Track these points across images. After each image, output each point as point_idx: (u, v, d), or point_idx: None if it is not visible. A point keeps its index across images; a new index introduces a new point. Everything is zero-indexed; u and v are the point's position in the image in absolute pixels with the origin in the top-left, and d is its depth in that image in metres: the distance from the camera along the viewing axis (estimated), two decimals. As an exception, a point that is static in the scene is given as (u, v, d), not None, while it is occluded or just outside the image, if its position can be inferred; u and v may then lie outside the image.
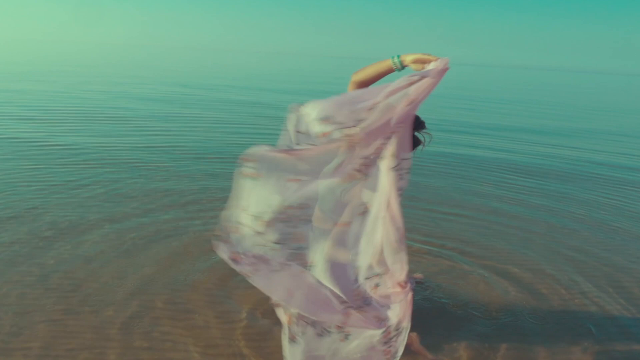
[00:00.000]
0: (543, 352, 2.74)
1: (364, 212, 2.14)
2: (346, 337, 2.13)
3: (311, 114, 2.09)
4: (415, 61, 2.14)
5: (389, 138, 2.07)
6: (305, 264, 2.21)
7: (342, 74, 41.35)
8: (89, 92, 13.71)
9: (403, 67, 2.22)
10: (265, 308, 2.90)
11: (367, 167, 2.11)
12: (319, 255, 2.18)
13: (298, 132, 2.13)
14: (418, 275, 3.40)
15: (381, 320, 2.13)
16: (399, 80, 2.04)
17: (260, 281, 2.21)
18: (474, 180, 6.24)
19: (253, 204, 2.16)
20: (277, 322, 2.71)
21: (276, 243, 2.18)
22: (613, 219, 5.08)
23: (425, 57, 2.12)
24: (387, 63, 2.24)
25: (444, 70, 2.03)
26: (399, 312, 2.11)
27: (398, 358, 2.13)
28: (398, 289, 2.13)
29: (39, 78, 17.39)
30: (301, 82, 26.89)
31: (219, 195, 4.96)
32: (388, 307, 2.15)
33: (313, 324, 2.14)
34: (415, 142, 2.36)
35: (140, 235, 3.88)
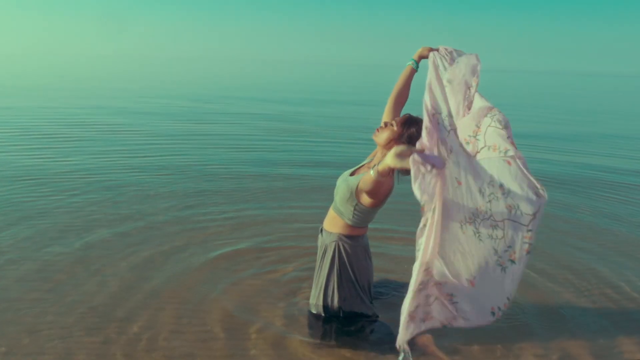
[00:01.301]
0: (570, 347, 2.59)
1: None
2: None
3: None
4: (423, 52, 2.43)
5: None
6: None
7: (344, 81, 41.45)
8: (94, 108, 13.37)
9: (417, 62, 2.51)
10: (231, 321, 2.76)
11: None
12: None
13: None
14: None
15: None
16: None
17: None
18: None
19: None
20: (235, 330, 2.63)
21: None
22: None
23: (425, 51, 2.41)
24: (407, 67, 2.56)
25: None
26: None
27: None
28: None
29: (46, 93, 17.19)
30: (306, 91, 26.69)
31: (217, 200, 4.88)
32: None
33: None
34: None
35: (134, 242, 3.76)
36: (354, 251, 2.56)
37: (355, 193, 2.45)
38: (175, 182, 5.45)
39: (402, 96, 2.61)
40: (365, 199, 2.44)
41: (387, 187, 2.41)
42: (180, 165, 6.40)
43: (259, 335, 2.63)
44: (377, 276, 2.99)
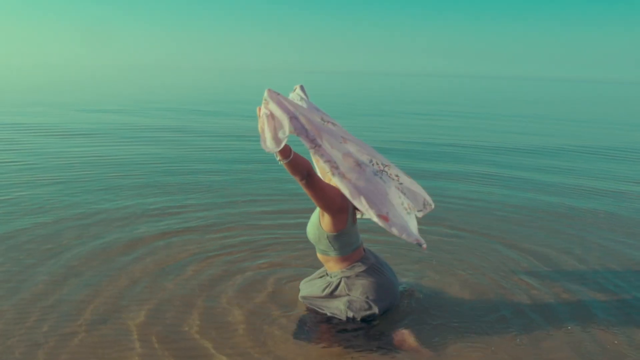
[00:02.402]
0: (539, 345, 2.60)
1: None
2: None
3: None
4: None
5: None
6: None
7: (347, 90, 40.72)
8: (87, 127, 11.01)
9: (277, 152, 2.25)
10: (152, 331, 2.62)
11: None
12: None
13: None
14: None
15: None
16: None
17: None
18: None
19: None
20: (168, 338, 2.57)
21: None
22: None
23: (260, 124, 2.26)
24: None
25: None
26: None
27: None
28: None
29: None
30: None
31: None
32: None
33: None
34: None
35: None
36: (362, 276, 2.62)
37: (320, 223, 2.57)
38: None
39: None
40: (327, 224, 2.53)
41: (337, 199, 2.47)
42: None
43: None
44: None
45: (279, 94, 2.27)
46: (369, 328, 2.64)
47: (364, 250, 2.71)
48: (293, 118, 2.26)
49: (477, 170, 7.02)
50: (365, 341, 2.54)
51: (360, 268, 2.63)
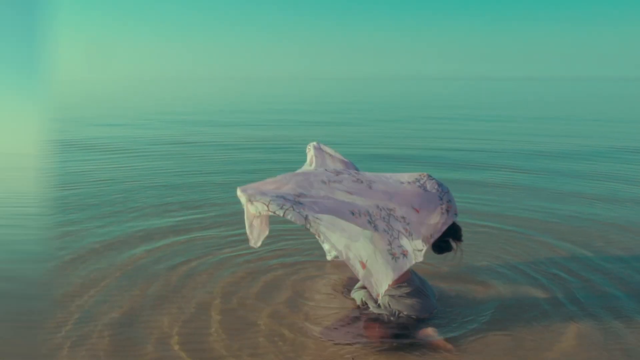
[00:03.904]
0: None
1: None
2: None
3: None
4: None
5: None
6: None
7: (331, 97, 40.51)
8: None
9: None
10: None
11: None
12: None
13: None
14: None
15: None
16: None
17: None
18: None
19: None
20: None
21: None
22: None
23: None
24: None
25: None
26: None
27: None
28: None
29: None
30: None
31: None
32: None
33: None
34: (446, 247, 2.64)
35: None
36: (406, 297, 2.64)
37: None
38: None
39: None
40: None
41: None
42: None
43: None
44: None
45: (250, 189, 2.36)
46: (393, 321, 2.61)
47: (410, 272, 2.72)
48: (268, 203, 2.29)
49: (506, 172, 6.77)
50: (389, 336, 2.51)
51: (406, 289, 2.66)
